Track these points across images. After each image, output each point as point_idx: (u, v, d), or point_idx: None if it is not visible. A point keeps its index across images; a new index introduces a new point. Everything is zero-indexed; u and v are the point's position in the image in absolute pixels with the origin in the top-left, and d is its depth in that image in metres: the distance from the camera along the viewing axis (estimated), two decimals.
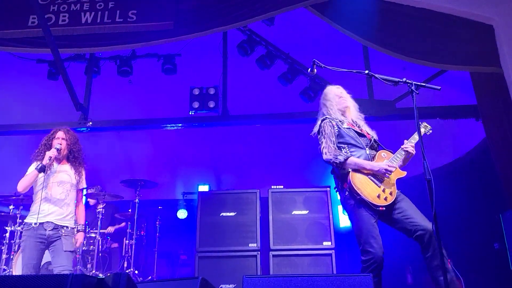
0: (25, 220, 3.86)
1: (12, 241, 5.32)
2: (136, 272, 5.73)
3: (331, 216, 5.03)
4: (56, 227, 3.82)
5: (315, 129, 3.49)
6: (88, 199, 6.80)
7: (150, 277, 6.20)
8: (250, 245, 4.99)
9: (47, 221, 3.81)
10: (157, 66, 6.56)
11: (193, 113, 6.08)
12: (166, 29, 5.60)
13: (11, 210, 5.53)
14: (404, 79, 2.99)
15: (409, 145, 3.32)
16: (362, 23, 5.30)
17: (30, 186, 3.88)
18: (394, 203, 3.18)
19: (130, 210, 6.20)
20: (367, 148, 3.31)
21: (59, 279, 1.93)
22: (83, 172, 4.20)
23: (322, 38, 6.39)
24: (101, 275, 4.84)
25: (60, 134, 4.08)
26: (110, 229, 6.30)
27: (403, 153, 3.30)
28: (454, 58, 5.16)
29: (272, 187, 5.32)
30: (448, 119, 5.81)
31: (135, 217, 5.93)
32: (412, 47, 5.21)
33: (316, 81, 5.93)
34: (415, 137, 3.38)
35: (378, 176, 3.17)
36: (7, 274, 5.07)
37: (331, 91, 3.66)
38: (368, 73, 3.22)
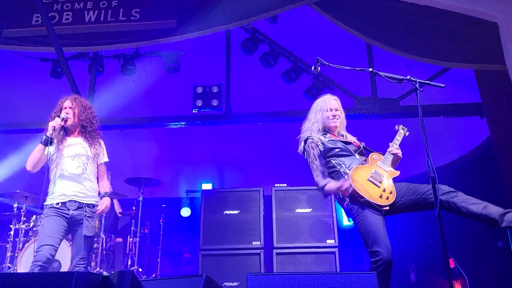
0: (45, 203, 3.51)
1: (16, 239, 5.34)
2: (140, 270, 5.75)
3: (334, 214, 5.04)
4: (81, 206, 3.48)
5: (300, 148, 3.47)
6: None
7: (153, 275, 6.22)
8: (253, 243, 5.00)
9: (70, 200, 3.47)
10: (161, 65, 6.57)
11: (196, 112, 6.09)
12: (169, 27, 5.60)
13: (15, 208, 5.55)
14: (408, 77, 2.98)
15: (394, 147, 3.35)
16: (365, 21, 5.29)
17: (38, 163, 3.52)
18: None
19: (134, 208, 6.21)
20: (356, 154, 3.32)
21: (64, 277, 1.94)
22: (102, 144, 3.84)
23: (325, 36, 6.37)
24: (105, 273, 4.86)
25: (67, 103, 3.71)
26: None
27: (391, 156, 3.32)
28: (458, 56, 5.14)
29: (276, 185, 5.33)
30: (452, 117, 5.80)
31: (139, 215, 5.94)
32: (416, 45, 5.20)
33: (320, 79, 5.93)
34: (398, 138, 3.44)
35: (376, 177, 3.16)
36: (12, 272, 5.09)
37: (324, 102, 3.50)
38: (372, 71, 3.22)
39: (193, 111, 6.08)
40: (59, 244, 3.38)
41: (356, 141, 3.49)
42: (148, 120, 6.22)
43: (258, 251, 4.95)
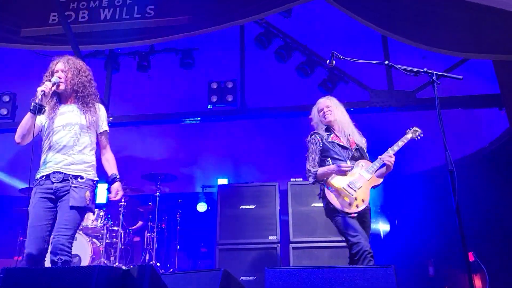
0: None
1: None
2: (158, 264, 5.82)
3: None
4: (66, 178, 3.04)
5: (307, 140, 3.78)
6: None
7: (171, 269, 6.29)
8: (270, 237, 5.01)
9: (54, 171, 3.05)
10: (175, 61, 6.59)
11: (211, 107, 6.11)
12: (184, 23, 5.62)
13: None
14: (425, 69, 2.95)
15: (386, 156, 3.52)
16: (381, 12, 5.24)
17: (28, 133, 3.10)
18: (362, 216, 3.48)
19: (151, 204, 6.28)
20: (348, 161, 3.55)
21: (85, 271, 1.98)
22: (101, 111, 3.38)
23: (340, 29, 6.32)
24: (124, 267, 4.94)
25: (59, 65, 3.24)
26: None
27: (380, 163, 3.53)
28: (477, 46, 5.05)
29: (291, 179, 5.32)
30: (471, 109, 5.71)
31: (156, 211, 6.00)
32: (433, 35, 5.12)
33: (335, 73, 5.89)
34: (399, 144, 3.65)
35: (351, 186, 3.43)
36: None
37: (316, 105, 3.84)
38: (387, 63, 3.19)
39: (208, 107, 6.10)
40: (50, 231, 2.99)
41: (362, 142, 3.73)
42: (164, 116, 6.27)
43: (275, 245, 4.96)
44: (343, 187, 3.44)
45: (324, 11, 5.89)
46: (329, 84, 5.94)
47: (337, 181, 3.48)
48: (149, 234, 6.09)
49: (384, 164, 3.55)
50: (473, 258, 5.19)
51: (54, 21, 5.96)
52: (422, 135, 3.75)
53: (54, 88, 3.13)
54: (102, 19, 5.91)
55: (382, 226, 6.91)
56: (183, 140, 8.45)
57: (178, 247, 6.41)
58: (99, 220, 5.76)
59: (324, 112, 3.73)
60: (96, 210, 5.91)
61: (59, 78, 3.17)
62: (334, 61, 3.31)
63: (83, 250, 5.32)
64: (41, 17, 5.98)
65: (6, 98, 6.36)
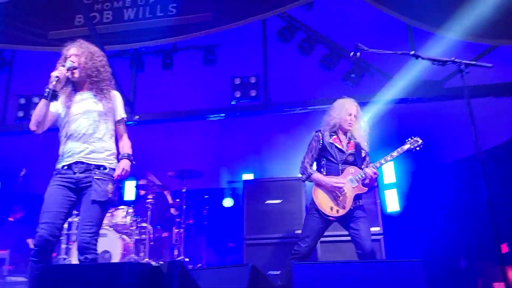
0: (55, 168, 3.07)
1: (70, 232, 5.59)
2: (187, 259, 5.89)
3: (378, 201, 4.95)
4: (89, 168, 2.96)
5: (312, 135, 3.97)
6: (139, 191, 7.05)
7: (199, 265, 6.36)
8: (296, 232, 4.99)
9: (76, 161, 2.97)
10: (198, 58, 6.64)
11: (235, 103, 6.12)
12: (206, 20, 5.66)
13: None
14: (453, 58, 2.87)
15: (370, 170, 3.65)
16: (406, 1, 5.12)
17: (43, 121, 2.97)
18: (350, 216, 3.65)
19: (178, 200, 6.35)
20: (340, 164, 3.74)
21: (116, 268, 2.02)
22: (117, 98, 3.28)
23: (363, 19, 6.23)
24: (153, 263, 5.02)
25: (73, 50, 3.12)
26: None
27: (369, 171, 3.66)
28: (506, 32, 4.89)
29: None
30: (502, 97, 5.55)
31: (183, 207, 6.07)
32: (462, 24, 4.97)
33: (359, 64, 5.81)
34: (393, 154, 3.78)
35: (336, 191, 3.65)
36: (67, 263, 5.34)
37: (345, 106, 3.88)
38: (413, 54, 3.12)
39: (232, 103, 6.12)
40: (64, 220, 2.94)
41: (363, 146, 3.84)
42: (189, 113, 6.33)
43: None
44: (328, 191, 3.69)
45: (346, 2, 5.81)
46: (354, 76, 5.86)
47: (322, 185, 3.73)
48: (177, 230, 6.17)
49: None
50: (506, 249, 5.06)
51: (79, 22, 6.09)
52: (422, 145, 3.88)
53: (68, 74, 3.02)
54: (126, 19, 6.01)
55: (414, 218, 6.81)
56: (208, 137, 8.50)
57: (205, 242, 6.48)
58: (128, 217, 5.86)
59: (351, 120, 3.83)
60: (125, 207, 6.03)
61: (73, 62, 3.06)
62: (358, 53, 3.26)
63: (114, 247, 5.42)
64: (67, 19, 6.12)
65: (35, 100, 6.53)
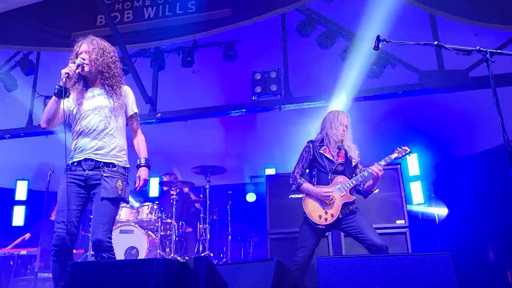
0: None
1: None
2: (212, 254, 5.95)
3: (403, 193, 4.89)
4: (98, 166, 2.95)
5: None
6: (163, 187, 7.15)
7: (224, 259, 6.41)
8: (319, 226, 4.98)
9: (85, 158, 2.97)
10: (219, 54, 6.65)
11: (256, 98, 6.13)
12: (225, 16, 5.67)
13: None
14: (478, 47, 2.80)
15: (375, 168, 3.73)
16: None
17: (53, 118, 3.01)
18: (341, 222, 3.77)
19: (201, 196, 6.42)
20: (329, 173, 3.88)
21: (144, 264, 2.06)
22: (128, 93, 3.27)
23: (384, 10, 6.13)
24: (179, 258, 5.09)
25: (84, 46, 3.13)
26: None
27: (366, 174, 3.79)
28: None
29: None
30: None
31: (207, 202, 6.13)
32: (484, 10, 4.86)
33: (381, 56, 5.72)
34: (391, 157, 3.86)
35: (325, 200, 3.79)
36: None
37: (338, 117, 4.04)
38: (437, 44, 3.06)
39: (253, 98, 6.12)
40: (80, 217, 2.96)
41: (355, 155, 3.96)
42: (210, 110, 6.35)
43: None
44: (317, 200, 3.84)
45: None
46: (375, 68, 5.78)
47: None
48: (201, 226, 6.23)
49: (366, 178, 3.83)
50: None
51: (101, 23, 6.18)
52: (409, 154, 3.94)
53: (78, 70, 3.02)
54: (146, 18, 6.07)
55: (437, 211, 6.72)
56: (230, 132, 8.54)
57: (230, 237, 6.53)
58: (153, 213, 5.96)
59: (344, 131, 3.99)
60: (150, 204, 6.12)
61: (83, 59, 3.06)
62: (380, 45, 3.21)
63: (140, 243, 5.53)
64: (89, 20, 6.22)
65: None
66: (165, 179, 6.73)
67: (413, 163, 7.18)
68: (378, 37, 3.14)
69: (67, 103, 3.09)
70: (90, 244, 5.63)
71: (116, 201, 2.96)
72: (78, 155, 3.00)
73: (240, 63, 6.71)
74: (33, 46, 6.56)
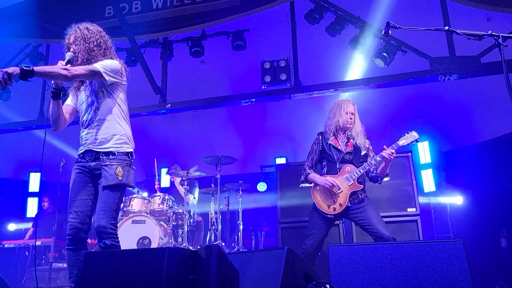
0: None
1: None
2: (223, 244, 5.99)
3: (414, 181, 4.87)
4: (98, 156, 2.94)
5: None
6: (172, 178, 7.19)
7: (236, 248, 6.45)
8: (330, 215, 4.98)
9: (86, 150, 2.99)
10: (227, 44, 6.63)
11: (265, 87, 6.10)
12: (234, 5, 5.65)
13: None
14: (490, 32, 2.75)
15: (388, 151, 3.73)
16: None
17: (57, 119, 3.01)
18: (349, 211, 3.80)
19: (213, 186, 6.44)
20: (337, 163, 3.92)
21: (156, 253, 2.08)
22: (104, 62, 2.97)
23: None
24: (191, 248, 5.13)
25: (71, 38, 3.03)
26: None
27: (378, 159, 3.79)
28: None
29: None
30: None
31: (218, 192, 6.15)
32: None
33: (391, 43, 5.66)
34: (398, 144, 3.83)
35: (332, 189, 3.82)
36: None
37: (342, 105, 4.05)
38: (448, 29, 3.01)
39: (262, 87, 6.10)
40: (92, 206, 2.97)
41: (364, 144, 3.95)
42: (220, 100, 6.34)
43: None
44: (326, 190, 3.88)
45: None
46: (386, 55, 5.72)
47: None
48: (212, 215, 6.27)
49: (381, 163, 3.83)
50: None
51: (109, 14, 6.19)
52: (418, 141, 3.89)
53: (70, 65, 2.86)
54: (154, 8, 6.06)
55: (449, 199, 6.68)
56: (240, 122, 8.54)
57: (241, 227, 6.56)
58: (165, 203, 6.01)
59: (350, 118, 3.99)
60: (161, 194, 6.17)
61: (73, 53, 2.95)
62: (390, 31, 3.17)
63: (152, 232, 5.58)
64: (98, 11, 6.23)
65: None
66: (173, 169, 6.78)
67: (424, 151, 7.14)
68: (388, 23, 3.10)
69: (73, 99, 3.13)
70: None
71: (118, 187, 2.92)
72: (81, 147, 3.04)
73: (249, 52, 6.68)
74: (42, 39, 6.59)
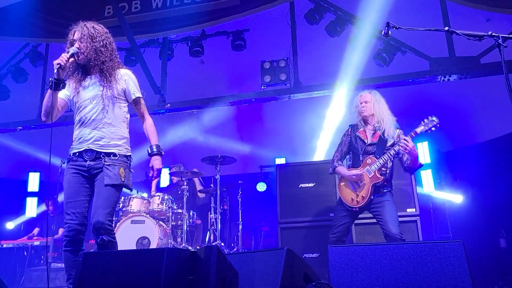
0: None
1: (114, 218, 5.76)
2: (223, 244, 5.98)
3: (414, 182, 4.87)
4: (99, 156, 2.92)
5: None
6: (172, 177, 7.18)
7: (235, 249, 6.45)
8: (331, 214, 4.98)
9: (85, 149, 2.94)
10: (227, 43, 6.62)
11: (265, 87, 6.10)
12: (234, 5, 5.64)
13: None
14: (490, 33, 2.74)
15: (401, 144, 3.68)
16: None
17: (50, 110, 2.96)
18: (371, 204, 3.85)
19: (212, 186, 6.43)
20: (361, 155, 3.96)
21: (156, 253, 2.08)
22: (126, 77, 3.11)
23: None
24: (190, 248, 5.13)
25: (76, 34, 3.01)
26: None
27: (396, 149, 3.76)
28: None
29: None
30: None
31: (218, 192, 6.15)
32: None
33: (391, 43, 5.66)
34: (417, 131, 3.79)
35: (356, 182, 3.90)
36: None
37: (355, 100, 4.17)
38: (448, 30, 3.01)
39: (262, 88, 6.10)
40: (88, 207, 2.94)
41: (389, 134, 3.90)
42: (219, 100, 6.33)
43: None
44: (349, 183, 3.96)
45: None
46: (385, 55, 5.72)
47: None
48: (212, 215, 6.26)
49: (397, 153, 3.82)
50: None
51: (109, 13, 6.18)
52: (438, 125, 3.78)
53: (72, 60, 2.92)
54: (154, 8, 6.05)
55: (450, 199, 6.68)
56: (240, 122, 8.53)
57: (240, 227, 6.55)
58: (165, 204, 6.00)
59: (363, 107, 4.03)
60: (161, 194, 6.16)
61: (78, 48, 2.96)
62: (390, 32, 3.16)
63: (152, 233, 5.57)
64: (97, 10, 6.22)
65: None
66: (174, 169, 6.77)
67: (424, 152, 7.13)
68: (388, 23, 3.09)
69: (67, 92, 3.07)
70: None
71: (119, 188, 2.94)
72: (78, 146, 2.98)
73: (248, 52, 6.67)
74: (42, 38, 6.58)
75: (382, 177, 3.81)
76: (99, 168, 2.91)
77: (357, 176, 3.87)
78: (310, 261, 4.61)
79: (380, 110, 3.98)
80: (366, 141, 3.95)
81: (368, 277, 2.49)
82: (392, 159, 3.84)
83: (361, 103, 4.04)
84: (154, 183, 7.05)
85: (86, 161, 2.94)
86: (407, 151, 3.68)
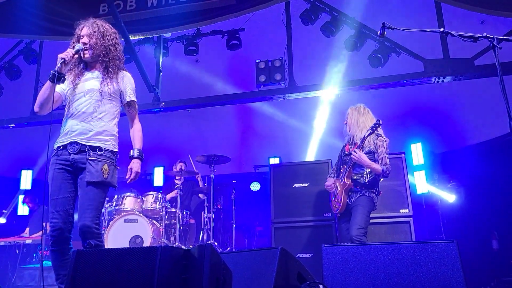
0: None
1: (102, 218, 5.74)
2: (216, 243, 5.98)
3: (407, 183, 4.89)
4: (83, 150, 2.84)
5: None
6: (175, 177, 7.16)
7: (228, 248, 6.44)
8: (325, 214, 5.00)
9: (70, 142, 2.87)
10: (222, 43, 6.61)
11: (260, 87, 6.09)
12: (229, 4, 5.62)
13: None
14: (485, 34, 2.76)
15: (352, 154, 3.98)
16: None
17: (46, 102, 2.93)
18: (349, 208, 4.06)
19: (206, 185, 6.42)
20: (341, 166, 4.25)
21: (149, 252, 2.06)
22: (126, 79, 3.13)
23: None
24: (184, 247, 5.11)
25: (85, 30, 3.03)
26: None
27: (351, 157, 4.01)
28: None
29: None
30: None
31: (211, 192, 6.14)
32: None
33: (386, 44, 5.67)
34: (364, 135, 3.99)
35: (334, 190, 4.22)
36: None
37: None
38: (443, 31, 3.02)
39: (257, 87, 6.09)
40: (74, 204, 2.87)
41: (371, 143, 4.05)
42: (214, 99, 6.32)
43: (330, 222, 4.94)
44: (331, 192, 4.30)
45: None
46: (380, 55, 5.73)
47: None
48: (206, 215, 6.25)
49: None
50: None
51: (104, 11, 6.14)
52: (379, 125, 3.98)
53: (76, 56, 2.95)
54: (149, 6, 6.03)
55: (443, 200, 6.71)
56: (234, 121, 8.53)
57: (234, 226, 6.55)
58: (158, 202, 5.98)
59: (345, 123, 4.35)
60: (154, 193, 6.14)
61: (84, 44, 2.98)
62: (385, 32, 3.17)
63: (145, 232, 5.55)
64: (92, 8, 6.18)
65: None
66: (178, 166, 6.73)
67: (418, 153, 7.16)
68: (383, 24, 3.10)
69: (63, 86, 3.04)
70: None
71: (102, 186, 2.84)
72: (63, 139, 2.92)
73: (244, 51, 6.66)
74: (36, 35, 6.52)
75: (352, 182, 4.05)
76: (84, 163, 2.83)
77: (329, 186, 4.26)
78: (303, 261, 4.61)
79: (352, 122, 4.24)
80: (345, 152, 4.24)
81: (361, 277, 2.49)
82: (350, 165, 4.04)
83: (345, 123, 4.35)
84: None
85: (70, 154, 2.86)
86: (359, 162, 3.95)
